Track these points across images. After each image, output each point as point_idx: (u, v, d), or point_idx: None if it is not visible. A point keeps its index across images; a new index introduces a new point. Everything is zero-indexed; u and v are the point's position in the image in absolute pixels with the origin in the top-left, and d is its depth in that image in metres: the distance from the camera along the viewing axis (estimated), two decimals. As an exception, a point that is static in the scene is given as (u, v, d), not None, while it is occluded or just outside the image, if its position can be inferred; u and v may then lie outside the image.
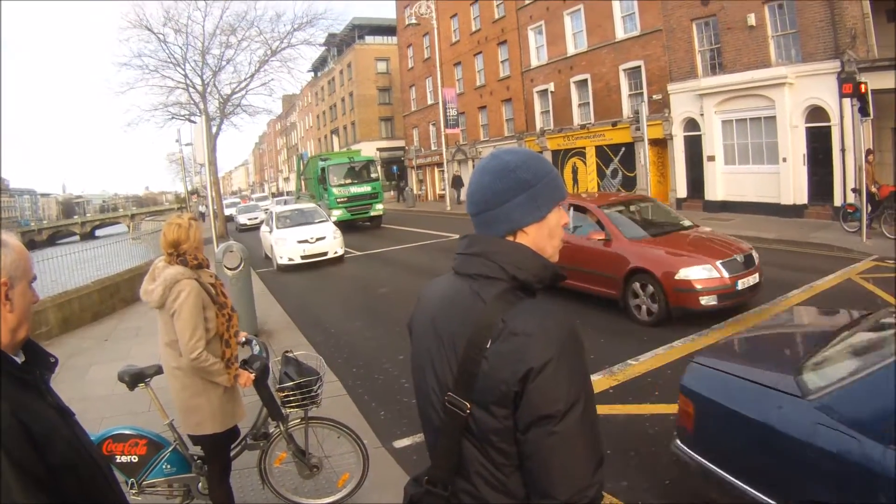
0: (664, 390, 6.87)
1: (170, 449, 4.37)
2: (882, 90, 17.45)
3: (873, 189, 16.62)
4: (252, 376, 4.27)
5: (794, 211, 21.00)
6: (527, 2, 35.55)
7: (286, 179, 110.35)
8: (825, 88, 19.66)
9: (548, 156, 33.25)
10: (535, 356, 1.51)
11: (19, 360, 1.58)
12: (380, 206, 31.11)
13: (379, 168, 33.50)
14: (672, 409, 6.12)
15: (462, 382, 1.61)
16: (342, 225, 27.57)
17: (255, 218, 41.14)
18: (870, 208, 16.28)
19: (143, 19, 32.41)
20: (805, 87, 20.46)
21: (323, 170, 31.61)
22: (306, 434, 4.71)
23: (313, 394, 4.49)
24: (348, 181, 30.83)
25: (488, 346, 1.58)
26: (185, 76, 34.40)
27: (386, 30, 65.95)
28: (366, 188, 30.90)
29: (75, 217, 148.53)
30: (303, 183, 40.45)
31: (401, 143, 59.63)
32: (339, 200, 30.06)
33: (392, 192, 54.44)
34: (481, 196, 1.74)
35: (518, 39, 36.70)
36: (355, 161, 32.10)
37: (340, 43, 66.19)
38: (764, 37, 21.88)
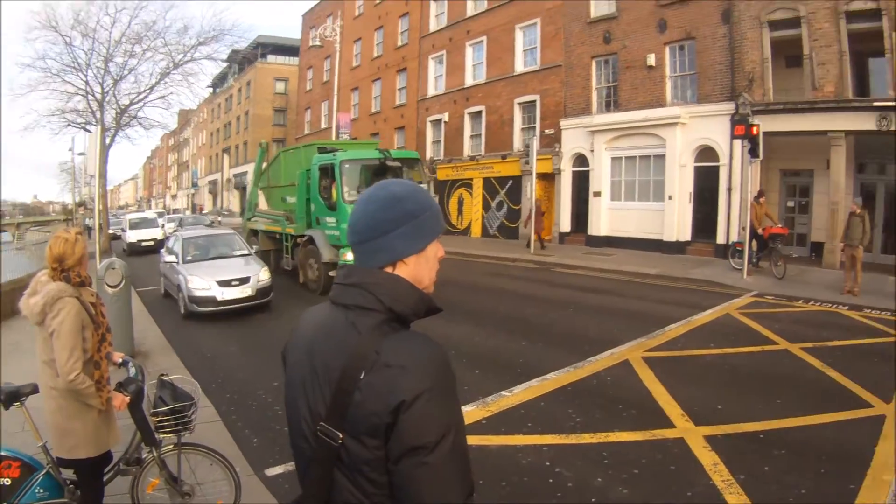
0: (537, 421, 6.87)
1: (43, 472, 4.10)
2: (774, 132, 17.93)
3: (759, 230, 16.88)
4: (127, 399, 4.15)
5: (676, 247, 21.27)
6: (431, 30, 35.41)
7: (174, 197, 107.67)
8: (717, 129, 20.02)
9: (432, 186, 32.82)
10: (408, 389, 1.53)
11: None
12: None
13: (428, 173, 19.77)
14: (544, 440, 6.31)
15: (335, 412, 1.62)
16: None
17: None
18: (756, 246, 16.78)
19: (52, 20, 30.49)
20: (697, 127, 20.78)
21: (327, 169, 16.13)
22: (179, 460, 4.62)
23: (187, 419, 4.40)
24: None
25: (362, 377, 1.58)
26: (87, 83, 32.93)
27: (289, 50, 65.24)
28: None
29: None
30: (260, 195, 23.36)
31: (292, 167, 57.80)
32: None
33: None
34: (366, 225, 1.74)
35: (418, 68, 36.47)
36: (391, 158, 16.33)
37: (243, 60, 64.74)
38: (661, 77, 22.20)
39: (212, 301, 13.43)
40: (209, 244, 15.87)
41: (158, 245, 27.40)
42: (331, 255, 15.72)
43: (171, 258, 15.06)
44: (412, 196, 1.76)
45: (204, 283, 13.51)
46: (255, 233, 21.56)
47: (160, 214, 42.91)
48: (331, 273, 15.51)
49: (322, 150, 16.91)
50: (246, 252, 15.84)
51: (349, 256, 16.05)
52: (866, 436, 6.22)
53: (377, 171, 15.82)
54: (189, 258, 14.80)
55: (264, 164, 22.94)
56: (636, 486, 5.30)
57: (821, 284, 15.14)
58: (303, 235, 17.10)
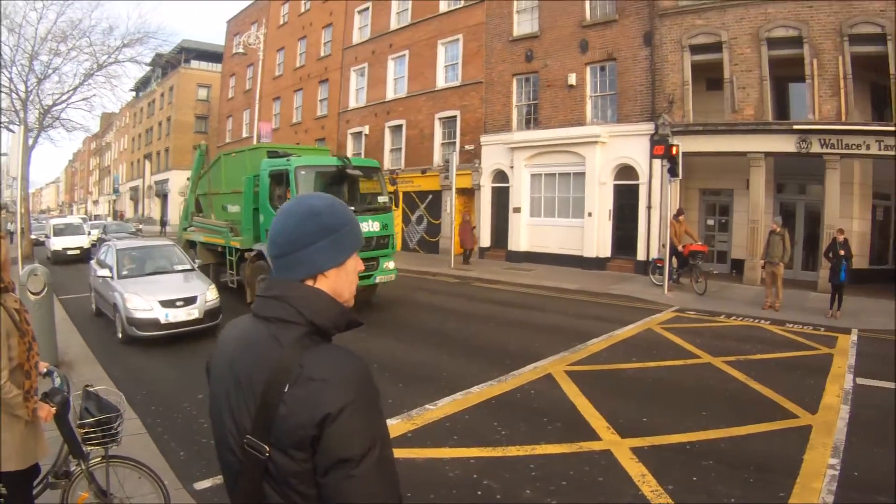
0: (463, 434, 6.84)
1: (-29, 486, 3.98)
2: (694, 153, 18.33)
3: (680, 247, 17.15)
4: (53, 410, 4.02)
5: (596, 263, 21.42)
6: (354, 42, 35.08)
7: (95, 202, 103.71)
8: (637, 148, 20.29)
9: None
10: (332, 402, 1.53)
11: None
12: (391, 265, 15.24)
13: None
14: (471, 452, 6.27)
15: (260, 426, 1.61)
16: None
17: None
18: (676, 263, 17.09)
19: None
20: (617, 146, 21.00)
21: (280, 176, 14.19)
22: (108, 473, 4.47)
23: (114, 431, 4.27)
24: None
25: (286, 390, 1.58)
26: (10, 80, 31.50)
27: (213, 56, 63.64)
28: (371, 223, 14.51)
29: None
30: (196, 201, 20.81)
31: (212, 175, 56.37)
32: None
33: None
34: (285, 238, 1.74)
35: (340, 80, 36.08)
36: (351, 165, 14.92)
37: (166, 64, 63.20)
38: (582, 96, 22.43)
39: (154, 324, 11.41)
40: (146, 257, 13.76)
41: (85, 254, 25.66)
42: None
43: (105, 272, 12.74)
44: (330, 210, 1.77)
45: (144, 303, 11.44)
46: (192, 244, 19.44)
47: (84, 220, 39.66)
48: None
49: (272, 155, 15.09)
50: (188, 267, 13.82)
51: None
52: (793, 446, 6.31)
53: (334, 179, 14.51)
54: (125, 273, 12.74)
55: (202, 169, 20.50)
56: (565, 497, 5.27)
57: (742, 300, 15.49)
58: (250, 249, 15.24)
